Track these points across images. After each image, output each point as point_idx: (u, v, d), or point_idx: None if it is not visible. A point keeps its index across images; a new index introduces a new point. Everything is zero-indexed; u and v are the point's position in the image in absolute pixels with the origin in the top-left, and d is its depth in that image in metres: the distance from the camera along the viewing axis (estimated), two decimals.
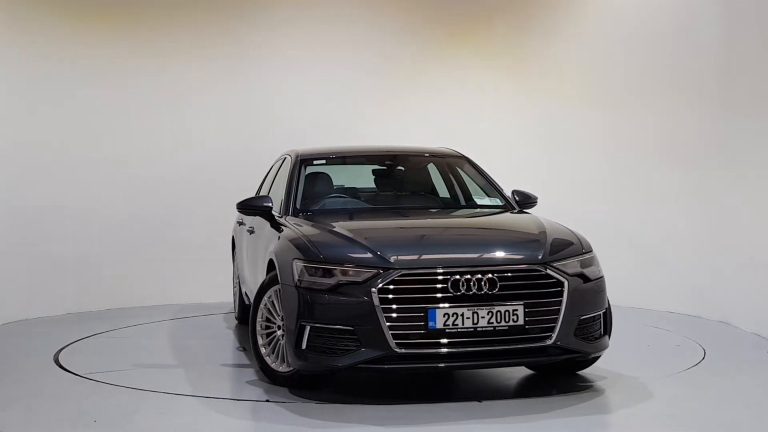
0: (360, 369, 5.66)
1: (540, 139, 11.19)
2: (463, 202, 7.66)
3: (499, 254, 5.97)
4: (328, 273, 5.73)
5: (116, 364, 7.22)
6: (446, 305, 5.56)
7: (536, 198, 7.30)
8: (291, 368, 6.02)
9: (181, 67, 10.91)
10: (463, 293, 5.58)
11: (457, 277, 5.60)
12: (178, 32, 10.89)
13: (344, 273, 5.68)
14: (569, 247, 6.12)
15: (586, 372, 6.62)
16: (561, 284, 5.76)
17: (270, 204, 7.01)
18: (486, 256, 5.93)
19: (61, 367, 7.16)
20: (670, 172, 9.82)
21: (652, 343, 8.00)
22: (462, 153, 8.00)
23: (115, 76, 10.62)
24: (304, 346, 5.74)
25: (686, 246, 9.60)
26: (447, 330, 5.53)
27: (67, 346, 8.04)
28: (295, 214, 6.94)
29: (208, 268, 10.62)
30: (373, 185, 8.04)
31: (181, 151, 10.89)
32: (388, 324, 5.50)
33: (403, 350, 5.52)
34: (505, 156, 11.06)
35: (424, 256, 5.91)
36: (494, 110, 11.43)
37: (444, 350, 5.57)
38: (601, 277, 6.18)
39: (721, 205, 9.05)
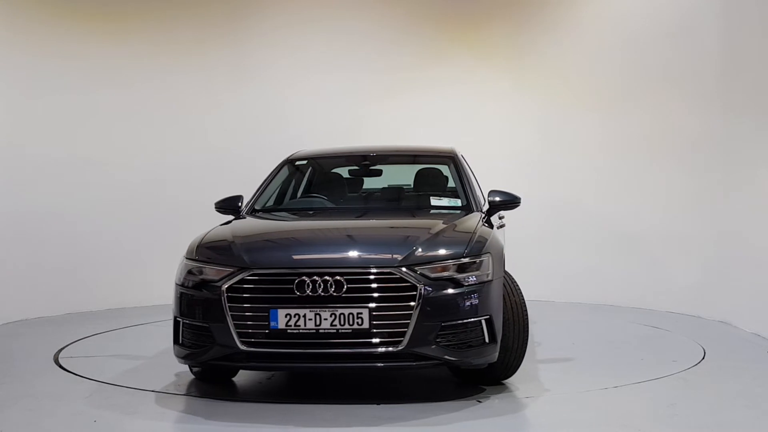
0: (215, 366, 5.96)
1: (539, 138, 11.19)
2: (415, 203, 7.47)
3: (353, 256, 5.85)
4: (199, 272, 5.94)
5: (116, 364, 7.22)
6: (289, 306, 5.57)
7: (519, 198, 6.94)
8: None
9: (180, 68, 10.92)
10: (308, 295, 5.56)
11: (304, 278, 5.58)
12: (178, 34, 10.91)
13: (210, 272, 5.86)
14: (447, 250, 5.82)
15: (585, 372, 6.63)
16: (415, 288, 5.56)
17: (240, 204, 7.12)
18: (336, 257, 5.83)
19: (61, 367, 7.16)
20: (669, 172, 9.82)
21: (651, 343, 8.00)
22: (454, 153, 7.81)
23: (116, 77, 10.63)
24: (180, 341, 6.00)
25: (686, 246, 9.60)
26: (289, 331, 5.55)
27: (67, 346, 8.04)
28: (250, 213, 7.16)
29: None
30: (369, 186, 8.06)
31: (182, 152, 10.90)
32: (234, 323, 5.62)
33: (248, 349, 5.61)
34: (505, 155, 11.08)
35: (276, 257, 5.93)
36: (494, 110, 11.43)
37: (286, 350, 5.62)
38: (487, 282, 5.78)
39: (721, 204, 9.05)
